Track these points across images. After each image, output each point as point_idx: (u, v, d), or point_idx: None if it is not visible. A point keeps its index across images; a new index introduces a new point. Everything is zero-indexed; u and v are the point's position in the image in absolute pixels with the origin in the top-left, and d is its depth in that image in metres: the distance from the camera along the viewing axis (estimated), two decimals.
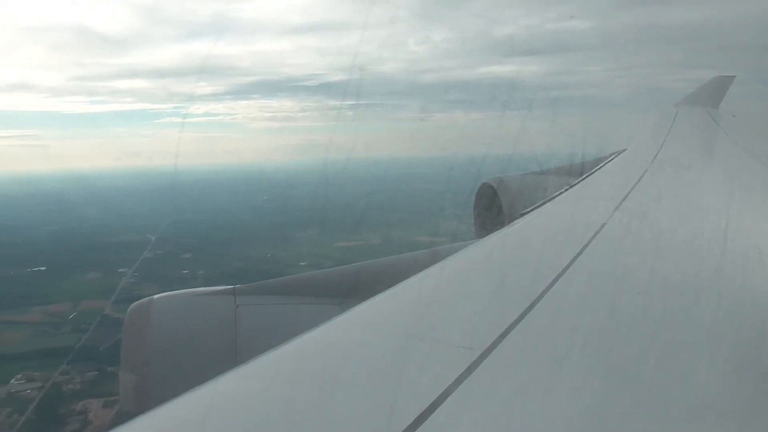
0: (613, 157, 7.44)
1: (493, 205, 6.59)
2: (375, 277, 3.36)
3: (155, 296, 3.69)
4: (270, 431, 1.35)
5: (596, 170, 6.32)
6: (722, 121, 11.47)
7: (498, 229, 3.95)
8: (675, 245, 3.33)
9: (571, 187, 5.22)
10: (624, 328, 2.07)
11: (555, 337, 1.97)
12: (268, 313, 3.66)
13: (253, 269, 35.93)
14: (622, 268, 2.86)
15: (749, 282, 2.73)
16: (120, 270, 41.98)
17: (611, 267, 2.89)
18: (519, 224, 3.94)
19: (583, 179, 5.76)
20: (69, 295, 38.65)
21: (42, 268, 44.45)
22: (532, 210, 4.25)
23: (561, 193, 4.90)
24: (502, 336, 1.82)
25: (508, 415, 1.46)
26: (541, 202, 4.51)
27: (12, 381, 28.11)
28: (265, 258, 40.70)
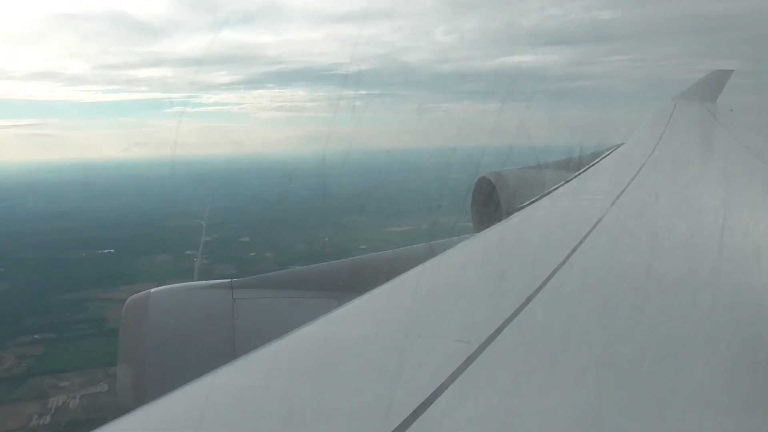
0: (610, 151, 7.52)
1: (491, 200, 6.65)
2: (372, 271, 3.44)
3: (153, 290, 3.71)
4: (267, 425, 1.36)
5: (593, 165, 6.36)
6: (719, 115, 11.50)
7: (495, 224, 4.00)
8: (671, 240, 3.34)
9: (569, 181, 5.25)
10: (620, 323, 2.08)
11: (552, 331, 1.98)
12: (265, 306, 3.69)
13: (317, 252, 38.20)
14: (619, 262, 2.87)
15: (745, 277, 2.73)
16: (187, 252, 44.00)
17: (608, 262, 2.90)
18: (516, 218, 3.97)
19: (580, 174, 5.80)
20: (148, 276, 40.42)
21: (111, 251, 46.13)
22: (529, 204, 4.28)
23: (558, 187, 4.93)
24: (499, 330, 1.83)
25: (505, 409, 1.47)
26: (538, 196, 4.54)
27: None
28: (323, 242, 43.11)
